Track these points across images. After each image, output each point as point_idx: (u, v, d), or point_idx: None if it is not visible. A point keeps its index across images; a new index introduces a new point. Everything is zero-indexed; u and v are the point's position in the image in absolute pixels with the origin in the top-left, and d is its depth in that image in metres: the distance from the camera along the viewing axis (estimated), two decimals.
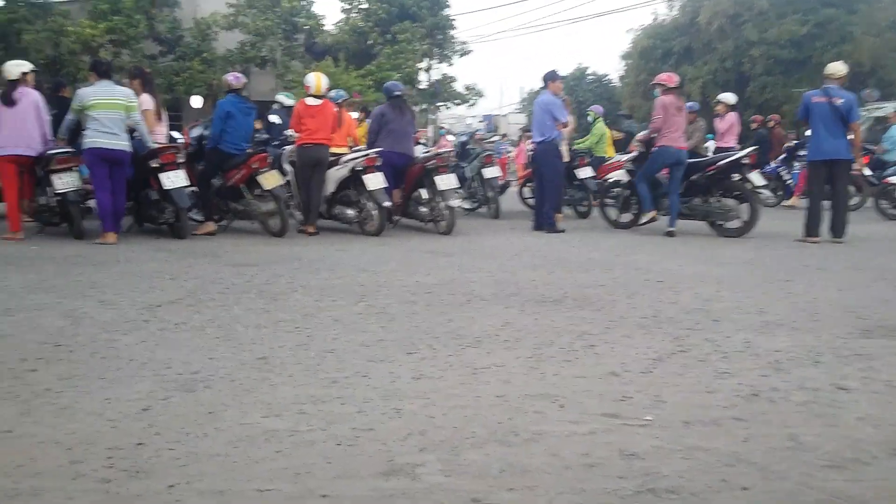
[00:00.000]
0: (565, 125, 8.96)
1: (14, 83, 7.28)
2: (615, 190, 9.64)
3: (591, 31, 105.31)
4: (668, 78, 8.75)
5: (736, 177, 8.52)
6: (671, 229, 8.48)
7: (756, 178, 8.75)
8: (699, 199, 8.69)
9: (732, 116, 12.13)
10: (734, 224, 8.55)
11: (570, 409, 2.73)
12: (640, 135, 9.19)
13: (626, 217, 9.46)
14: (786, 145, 13.62)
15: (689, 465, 2.26)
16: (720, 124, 12.16)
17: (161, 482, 2.09)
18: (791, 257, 6.91)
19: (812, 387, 3.02)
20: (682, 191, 8.64)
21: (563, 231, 8.85)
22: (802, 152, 11.19)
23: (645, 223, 8.79)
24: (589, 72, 44.38)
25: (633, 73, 36.83)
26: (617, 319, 4.22)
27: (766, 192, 10.81)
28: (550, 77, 9.02)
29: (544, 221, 8.99)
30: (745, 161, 8.44)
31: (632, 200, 9.36)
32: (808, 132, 8.75)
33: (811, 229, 7.99)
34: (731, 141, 11.88)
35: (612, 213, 9.68)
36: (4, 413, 2.60)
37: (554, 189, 9.09)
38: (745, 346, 3.66)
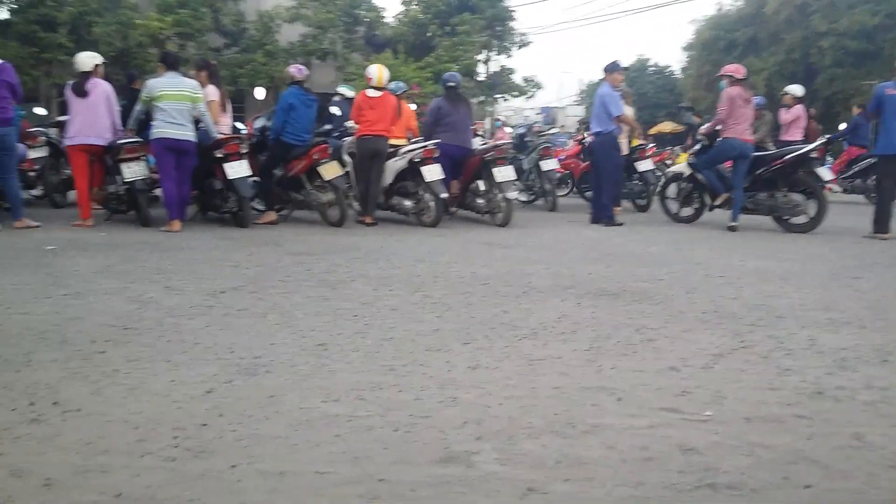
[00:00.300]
0: (619, 119, 8.81)
1: (86, 74, 7.52)
2: (677, 184, 9.49)
3: (653, 21, 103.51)
4: (736, 69, 8.53)
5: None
6: (734, 224, 8.31)
7: (824, 172, 8.47)
8: (764, 193, 8.49)
9: (799, 109, 11.79)
10: (800, 219, 8.34)
11: (628, 403, 2.70)
12: (704, 127, 9.00)
13: (687, 211, 9.31)
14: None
15: (749, 462, 2.22)
16: (785, 116, 11.84)
17: (224, 462, 2.15)
18: (859, 253, 6.71)
19: (879, 386, 2.93)
20: (746, 185, 8.44)
21: (621, 224, 8.75)
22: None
23: (719, 205, 8.61)
24: (650, 63, 43.70)
25: (696, 65, 36.16)
26: (676, 314, 4.16)
27: (837, 188, 10.51)
28: (609, 68, 8.90)
29: (602, 214, 8.90)
30: (813, 155, 8.20)
31: (693, 194, 9.21)
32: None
33: (881, 225, 7.74)
34: (796, 134, 11.56)
35: (673, 206, 9.54)
36: (75, 392, 2.70)
37: (611, 182, 8.98)
38: (810, 344, 3.57)
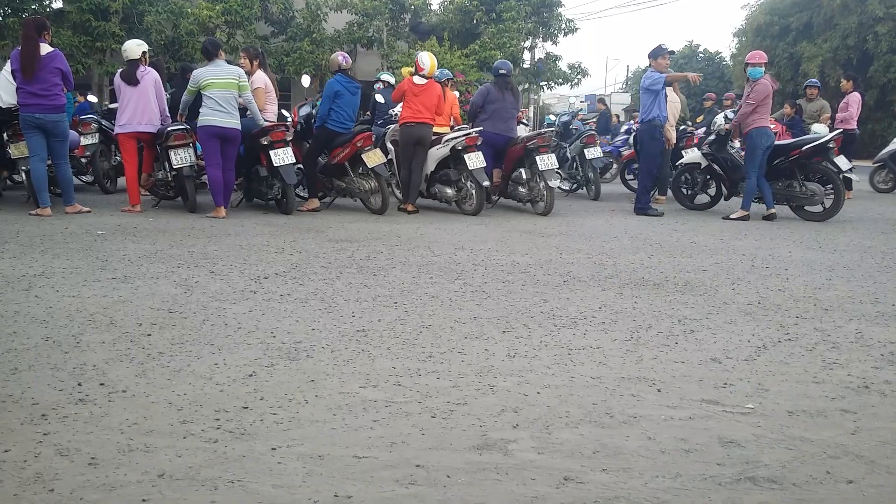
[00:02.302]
0: (668, 80, 8.63)
1: (135, 62, 7.65)
2: (690, 173, 9.46)
3: (704, 6, 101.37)
4: (762, 56, 8.35)
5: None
6: (771, 211, 8.27)
7: (842, 162, 8.37)
8: (782, 182, 8.48)
9: (855, 96, 11.47)
10: (817, 209, 8.37)
11: (668, 394, 2.68)
12: (734, 119, 8.76)
13: (703, 198, 9.31)
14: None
15: (791, 456, 2.18)
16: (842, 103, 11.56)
17: (264, 444, 2.19)
18: None
19: None
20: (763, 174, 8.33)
21: (661, 214, 8.62)
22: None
23: (735, 219, 8.29)
24: (700, 49, 42.91)
25: (747, 51, 35.35)
26: (720, 305, 4.10)
27: (854, 177, 10.28)
28: (654, 53, 8.72)
29: (639, 203, 8.80)
30: (831, 145, 8.12)
31: (709, 182, 9.23)
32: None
33: None
34: (850, 122, 11.26)
35: (689, 195, 9.57)
36: (121, 373, 2.77)
37: (647, 171, 8.85)
38: (857, 337, 3.49)
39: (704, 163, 9.07)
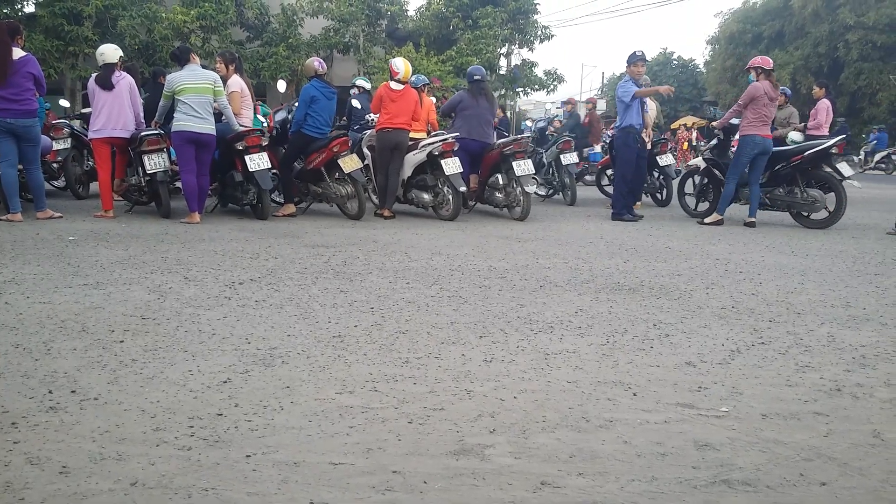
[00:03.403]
0: (637, 94, 8.70)
1: (111, 67, 7.58)
2: (693, 178, 9.45)
3: (677, 14, 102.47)
4: (764, 60, 8.33)
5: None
6: (752, 219, 8.26)
7: (844, 168, 8.36)
8: (783, 189, 8.42)
9: (825, 102, 11.64)
10: (820, 215, 8.27)
11: (644, 398, 2.69)
12: (717, 121, 8.88)
13: (703, 206, 9.26)
14: None
15: (765, 458, 2.20)
16: (813, 110, 11.71)
17: (239, 452, 2.17)
18: (881, 250, 6.62)
19: None
20: (764, 181, 8.36)
21: (639, 218, 8.69)
22: None
23: (709, 224, 8.41)
24: (674, 56, 43.36)
25: (720, 59, 35.86)
26: (694, 309, 4.13)
27: (856, 184, 10.34)
28: (630, 60, 8.80)
29: (615, 209, 8.86)
30: (833, 151, 8.10)
31: (709, 188, 9.16)
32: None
33: None
34: (821, 129, 11.42)
35: (691, 201, 9.49)
36: (93, 381, 2.72)
37: (622, 177, 8.90)
38: (829, 340, 3.53)
39: (703, 166, 9.06)
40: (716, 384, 2.86)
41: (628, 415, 2.52)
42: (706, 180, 9.18)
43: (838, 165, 8.30)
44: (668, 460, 2.18)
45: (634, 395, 2.72)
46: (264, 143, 7.74)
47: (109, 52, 7.67)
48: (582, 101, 12.72)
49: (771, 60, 8.43)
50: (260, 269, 5.00)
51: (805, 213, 8.36)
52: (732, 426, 2.44)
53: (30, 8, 23.85)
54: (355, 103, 10.15)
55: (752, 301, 4.38)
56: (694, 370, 3.03)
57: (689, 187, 9.90)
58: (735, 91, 34.57)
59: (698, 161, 9.27)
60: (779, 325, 3.80)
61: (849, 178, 8.39)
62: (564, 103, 13.58)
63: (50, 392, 2.59)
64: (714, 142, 8.92)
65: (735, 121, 8.53)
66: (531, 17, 27.84)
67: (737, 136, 8.62)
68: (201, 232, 6.78)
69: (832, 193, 8.17)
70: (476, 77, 9.02)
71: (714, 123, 8.91)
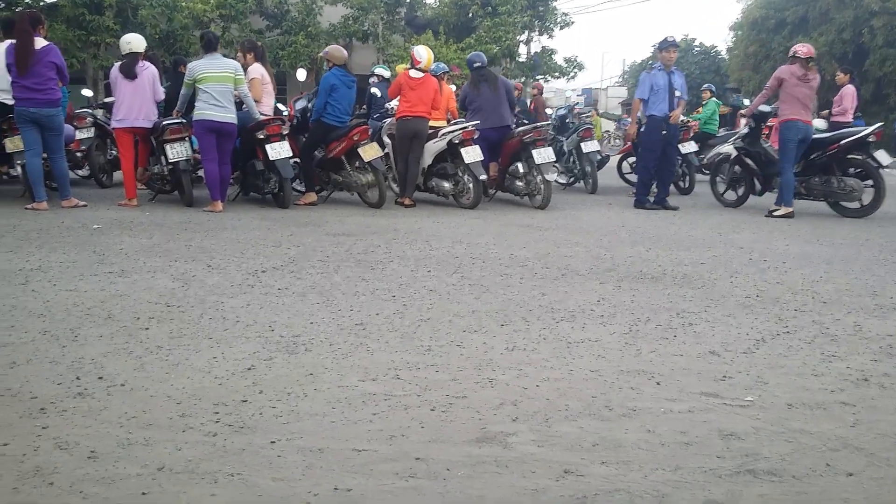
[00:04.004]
0: (639, 102, 8.61)
1: (136, 56, 7.62)
2: (724, 166, 9.27)
3: (699, 1, 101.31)
4: (798, 48, 8.15)
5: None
6: (790, 210, 8.05)
7: (882, 156, 8.15)
8: (818, 178, 8.23)
9: (849, 89, 11.47)
10: (856, 204, 8.11)
11: (667, 387, 2.68)
12: (747, 109, 8.74)
13: (733, 195, 9.13)
14: None
15: (791, 448, 2.19)
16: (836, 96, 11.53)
17: (264, 438, 2.18)
18: None
19: None
20: (798, 170, 8.16)
21: (673, 209, 8.59)
22: None
23: (780, 216, 8.03)
24: (696, 43, 42.88)
25: (743, 45, 35.40)
26: (718, 298, 4.10)
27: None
28: (660, 46, 8.70)
29: (638, 196, 8.78)
30: (871, 139, 7.91)
31: (741, 177, 9.01)
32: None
33: None
34: (846, 116, 11.26)
35: (722, 189, 9.33)
36: (120, 367, 2.76)
37: (644, 165, 8.82)
38: (856, 330, 3.49)
39: (734, 154, 8.85)
40: (740, 373, 2.84)
41: (652, 404, 2.51)
42: (738, 168, 9.03)
43: (876, 154, 8.10)
44: (692, 449, 2.17)
45: (658, 384, 2.71)
46: (285, 132, 7.75)
47: (137, 41, 7.72)
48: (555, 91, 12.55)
49: (808, 48, 8.17)
50: (282, 258, 5.03)
51: (842, 203, 8.16)
52: (757, 416, 2.43)
53: None
54: (375, 91, 10.14)
55: (776, 290, 4.34)
56: (718, 359, 3.01)
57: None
58: (758, 78, 34.09)
59: (728, 149, 9.09)
60: (804, 315, 3.77)
61: (887, 166, 8.18)
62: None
63: (77, 378, 2.62)
64: (745, 130, 8.75)
65: (765, 108, 8.39)
66: (551, 3, 27.64)
67: (768, 123, 8.45)
68: (224, 220, 6.82)
69: (869, 181, 7.98)
70: (476, 64, 9.00)
71: (743, 111, 8.76)
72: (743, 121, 8.79)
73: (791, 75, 7.90)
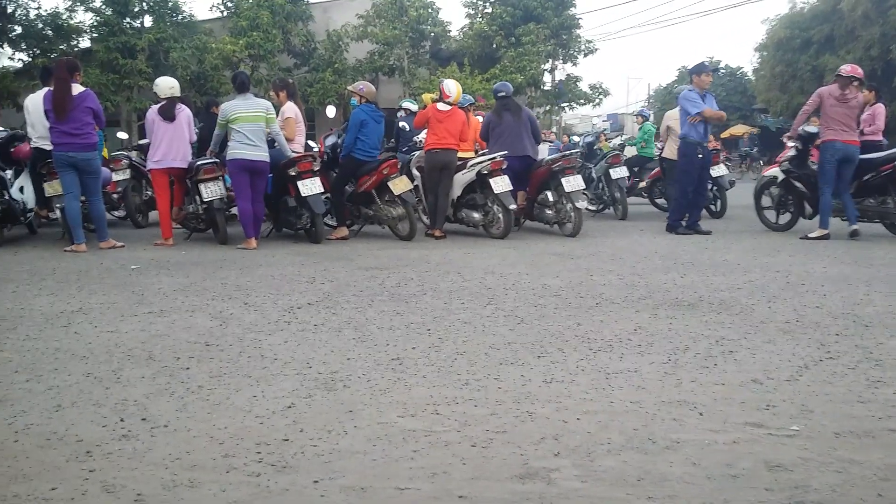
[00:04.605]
0: (698, 116, 8.46)
1: (173, 99, 7.82)
2: (771, 189, 9.07)
3: (723, 23, 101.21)
4: (843, 68, 8.05)
5: None
6: (854, 227, 7.87)
7: None
8: (874, 199, 8.06)
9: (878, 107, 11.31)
10: None
11: (710, 417, 2.64)
12: (790, 131, 8.53)
13: (784, 218, 8.92)
14: None
15: (841, 479, 2.14)
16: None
17: (307, 477, 2.19)
18: None
19: None
20: (852, 191, 7.99)
21: (694, 233, 8.53)
22: None
23: (815, 238, 7.92)
24: (721, 65, 42.79)
25: (769, 65, 35.23)
26: (757, 324, 4.04)
27: None
28: (696, 70, 8.65)
29: (670, 220, 8.71)
30: None
31: (788, 200, 8.84)
32: None
33: None
34: (877, 134, 11.10)
35: (770, 214, 9.14)
36: (162, 408, 2.79)
37: (681, 189, 8.73)
38: None
39: (781, 177, 8.69)
40: (784, 402, 2.79)
41: (695, 435, 2.48)
42: (775, 190, 8.86)
43: None
44: (739, 482, 2.13)
45: (700, 414, 2.67)
46: (316, 168, 7.86)
47: (173, 84, 7.95)
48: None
49: (853, 68, 8.05)
50: (317, 293, 5.07)
51: None
52: (804, 446, 2.38)
53: (85, 43, 24.77)
54: (403, 125, 10.25)
55: (816, 314, 4.27)
56: (761, 388, 2.97)
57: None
58: (785, 98, 33.87)
59: (775, 171, 8.93)
60: (846, 339, 3.70)
61: None
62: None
63: (122, 420, 2.65)
64: (792, 153, 8.59)
65: (811, 128, 8.27)
66: (574, 31, 27.82)
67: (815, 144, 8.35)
68: (258, 257, 6.90)
69: None
70: (500, 93, 9.08)
71: (785, 136, 8.62)
72: (790, 143, 8.60)
73: (829, 95, 7.83)
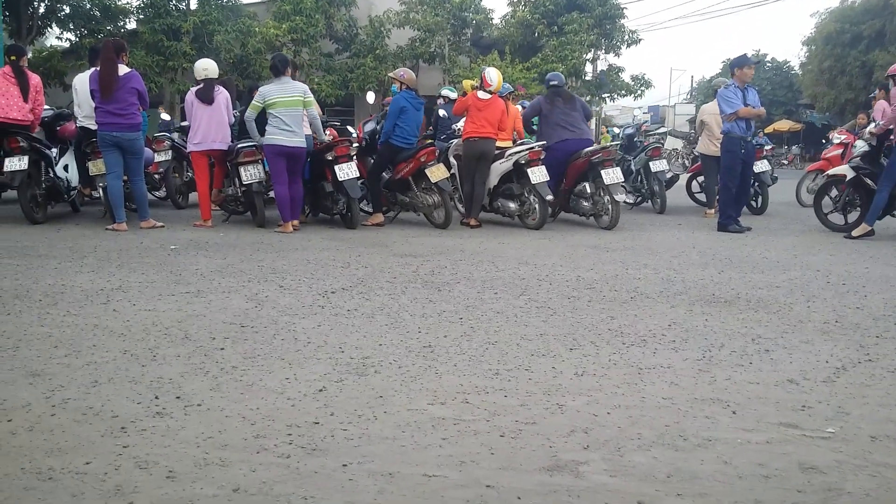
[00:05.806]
0: (734, 116, 8.27)
1: (212, 82, 7.89)
2: (835, 189, 8.75)
3: (771, 15, 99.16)
4: (893, 67, 7.89)
5: None
6: None
7: None
8: None
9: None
10: None
11: (744, 416, 2.60)
12: (875, 127, 8.25)
13: (853, 217, 8.57)
14: None
15: (875, 483, 2.10)
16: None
17: (336, 461, 2.21)
18: None
19: None
20: None
21: (743, 231, 8.31)
22: None
23: (857, 236, 7.79)
24: (767, 59, 42.00)
25: (817, 60, 34.50)
26: (795, 323, 3.97)
27: None
28: (736, 63, 8.45)
29: (721, 219, 8.52)
30: None
31: (856, 200, 8.53)
32: None
33: None
34: None
35: (835, 217, 8.77)
36: (196, 387, 2.83)
37: (725, 185, 8.56)
38: None
39: (851, 175, 8.32)
40: (820, 403, 2.74)
41: (728, 434, 2.45)
42: (853, 192, 8.49)
43: None
44: (771, 483, 2.10)
45: (734, 413, 2.64)
46: (353, 153, 7.89)
47: (213, 67, 8.02)
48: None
49: None
50: (351, 278, 5.10)
51: None
52: (839, 448, 2.34)
53: (132, 24, 25.11)
54: (442, 113, 10.23)
55: (856, 315, 4.19)
56: (797, 388, 2.92)
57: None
58: (833, 94, 33.14)
59: (844, 169, 8.65)
60: (887, 342, 3.62)
61: None
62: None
63: (156, 398, 2.70)
64: (865, 149, 8.29)
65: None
66: (618, 21, 27.48)
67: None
68: (294, 241, 6.96)
69: None
70: (553, 83, 9.00)
71: (870, 129, 8.38)
72: (858, 142, 8.35)
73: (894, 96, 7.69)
